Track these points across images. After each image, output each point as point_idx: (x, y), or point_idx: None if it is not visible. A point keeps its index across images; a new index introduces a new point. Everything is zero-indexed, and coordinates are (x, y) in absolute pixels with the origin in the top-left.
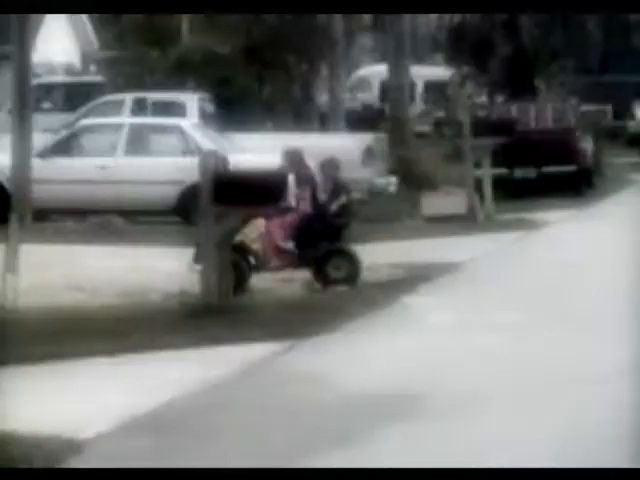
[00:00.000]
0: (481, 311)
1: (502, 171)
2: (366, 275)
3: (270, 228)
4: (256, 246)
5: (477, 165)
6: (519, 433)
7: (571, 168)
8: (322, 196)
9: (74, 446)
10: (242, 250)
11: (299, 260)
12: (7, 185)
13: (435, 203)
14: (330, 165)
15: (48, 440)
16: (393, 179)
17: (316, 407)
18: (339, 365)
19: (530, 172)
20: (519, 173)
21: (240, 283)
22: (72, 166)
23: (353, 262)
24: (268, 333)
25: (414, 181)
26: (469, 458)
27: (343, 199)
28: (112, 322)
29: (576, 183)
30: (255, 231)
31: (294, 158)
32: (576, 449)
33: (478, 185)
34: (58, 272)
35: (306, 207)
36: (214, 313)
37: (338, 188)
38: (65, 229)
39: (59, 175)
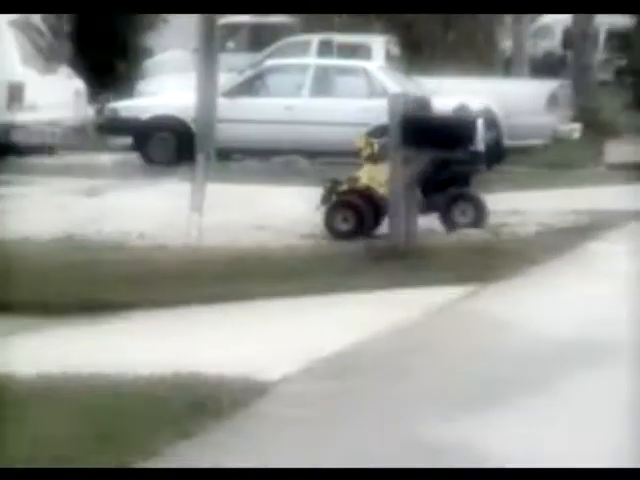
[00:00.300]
0: None
1: None
2: (551, 221)
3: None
4: (383, 190)
5: None
6: None
7: None
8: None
9: (259, 388)
10: (367, 194)
11: (426, 206)
12: (192, 125)
13: (619, 151)
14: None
15: (233, 382)
16: (577, 126)
17: (506, 352)
18: (526, 310)
19: None
20: None
21: (363, 229)
22: (257, 106)
23: (479, 207)
24: (454, 277)
25: (597, 129)
26: None
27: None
28: (296, 263)
29: None
30: (382, 175)
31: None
32: None
33: None
34: (242, 212)
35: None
36: (399, 256)
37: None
38: (249, 169)
39: (244, 115)
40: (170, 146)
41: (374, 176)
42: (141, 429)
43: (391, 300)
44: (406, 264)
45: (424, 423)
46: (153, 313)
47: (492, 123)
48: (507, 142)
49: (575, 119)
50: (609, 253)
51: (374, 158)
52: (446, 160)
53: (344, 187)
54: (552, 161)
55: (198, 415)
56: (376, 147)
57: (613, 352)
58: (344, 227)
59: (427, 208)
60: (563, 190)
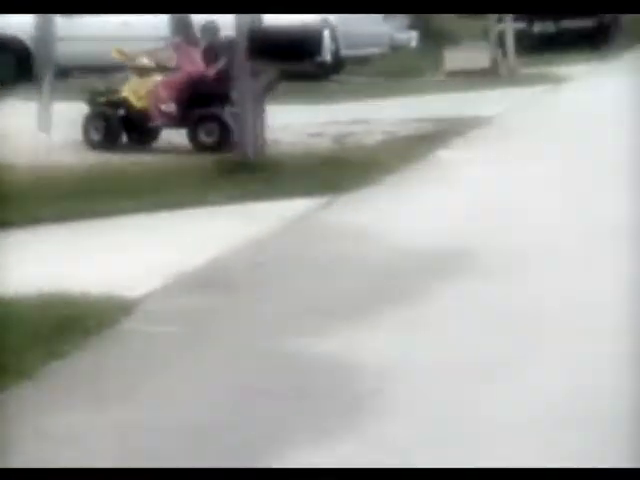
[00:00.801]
0: (516, 164)
1: (521, 25)
2: (395, 129)
3: (158, 88)
4: (141, 104)
5: (499, 20)
6: (567, 283)
7: (590, 22)
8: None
9: (124, 306)
10: (123, 106)
11: (178, 122)
12: (30, 43)
13: (457, 58)
14: (209, 28)
15: (97, 300)
16: (414, 34)
17: (364, 263)
18: (382, 220)
19: (549, 26)
20: (538, 27)
21: (110, 139)
22: (94, 23)
23: (224, 129)
24: (306, 188)
25: (434, 36)
26: (526, 310)
27: (221, 63)
28: (146, 178)
29: (596, 37)
30: (143, 89)
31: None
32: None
33: (499, 39)
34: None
35: (193, 69)
36: (249, 169)
37: (218, 52)
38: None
39: (82, 32)
40: (10, 66)
41: (135, 89)
42: (10, 351)
43: (245, 213)
44: (257, 177)
45: (291, 337)
46: (3, 233)
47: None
48: (345, 52)
49: (412, 27)
50: (456, 160)
51: (140, 71)
52: (201, 78)
53: (102, 99)
54: (391, 70)
55: (66, 334)
56: (143, 60)
57: (471, 261)
58: (96, 137)
59: (179, 124)
60: (404, 99)
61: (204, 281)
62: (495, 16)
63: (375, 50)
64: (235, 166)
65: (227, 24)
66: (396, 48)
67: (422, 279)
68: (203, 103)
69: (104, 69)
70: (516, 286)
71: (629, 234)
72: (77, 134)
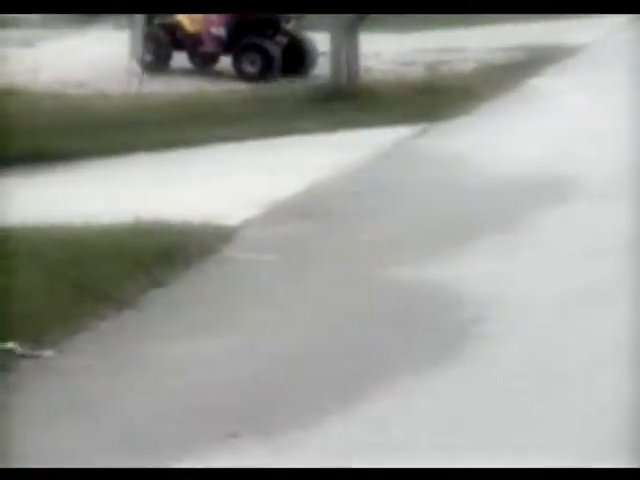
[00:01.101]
0: (609, 94)
1: None
2: (488, 58)
3: (210, 16)
4: (194, 27)
5: None
6: None
7: None
8: None
9: (223, 233)
10: (175, 29)
11: (226, 48)
12: None
13: None
14: None
15: (197, 228)
16: None
17: (464, 190)
18: (478, 148)
19: None
20: None
21: (159, 61)
22: None
23: (267, 59)
24: (400, 116)
25: None
26: (624, 236)
27: None
28: (238, 106)
29: None
30: (197, 16)
31: None
32: None
33: None
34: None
35: None
36: (343, 96)
37: None
38: None
39: None
40: None
41: (190, 16)
42: (113, 279)
43: (341, 141)
44: (351, 105)
45: (394, 264)
46: (100, 161)
47: None
48: None
49: None
50: (549, 89)
51: None
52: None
53: (158, 21)
54: None
55: (167, 263)
56: None
57: (574, 187)
58: (148, 58)
59: (227, 51)
60: (493, 27)
61: (301, 209)
62: None
63: None
64: (329, 94)
65: None
66: None
67: (521, 205)
68: (251, 31)
69: None
70: (615, 209)
71: None
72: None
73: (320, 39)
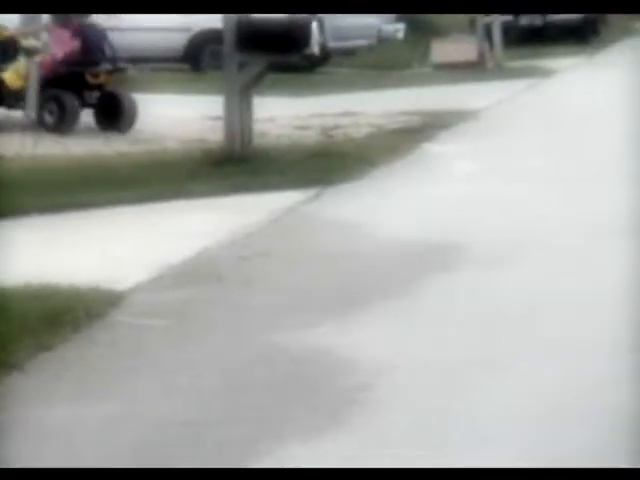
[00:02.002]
0: (504, 159)
1: (508, 18)
2: (382, 122)
3: (31, 70)
4: (19, 84)
5: None
6: (559, 278)
7: (577, 16)
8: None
9: (113, 298)
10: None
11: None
12: None
13: (445, 50)
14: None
15: (86, 292)
16: (401, 26)
17: (353, 255)
18: (369, 213)
19: (536, 19)
20: (525, 20)
21: None
22: None
23: (64, 111)
24: (293, 181)
25: (421, 28)
26: (512, 302)
27: (72, 45)
28: (131, 170)
29: (582, 31)
30: (24, 70)
31: None
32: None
33: (486, 32)
34: None
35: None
36: (236, 160)
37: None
38: None
39: None
40: None
41: (18, 69)
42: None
43: (234, 205)
44: (245, 169)
45: (281, 330)
46: None
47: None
48: (332, 43)
49: (399, 19)
50: (443, 154)
51: (28, 51)
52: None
53: None
54: (378, 62)
55: (54, 327)
56: (31, 40)
57: (460, 254)
58: None
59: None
60: (391, 91)
61: (191, 274)
62: None
63: (362, 42)
64: (222, 158)
65: (216, 15)
66: (383, 40)
67: (410, 271)
68: (56, 85)
69: None
70: (504, 277)
71: (625, 230)
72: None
73: (216, 101)
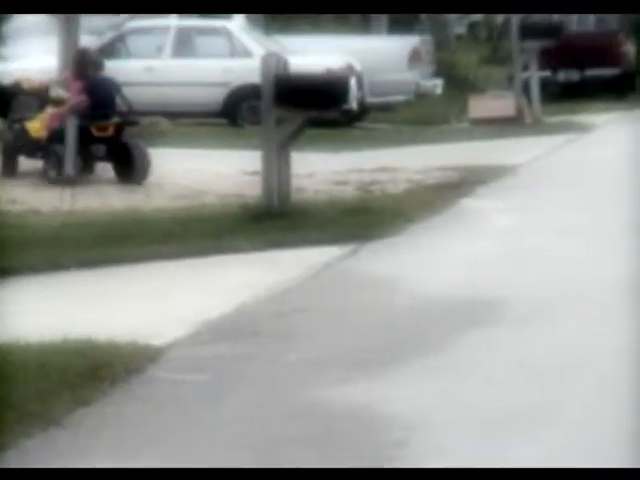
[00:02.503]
0: (541, 214)
1: (545, 74)
2: (420, 177)
3: (49, 119)
4: (39, 135)
5: (524, 68)
6: (595, 337)
7: (614, 71)
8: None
9: (150, 353)
10: (23, 135)
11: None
12: None
13: (482, 105)
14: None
15: (124, 347)
16: (439, 82)
17: (390, 311)
18: (406, 269)
19: (573, 74)
20: (562, 76)
21: (6, 168)
22: (119, 68)
23: (59, 162)
24: (331, 236)
25: (459, 84)
26: (550, 361)
27: (76, 100)
28: (170, 225)
29: (619, 86)
30: (45, 120)
31: (87, 58)
32: None
33: (524, 87)
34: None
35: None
36: (274, 216)
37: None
38: None
39: None
40: (33, 108)
41: (43, 119)
42: (39, 397)
43: (271, 261)
44: (283, 224)
45: (318, 386)
46: (32, 279)
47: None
48: (370, 99)
49: (437, 74)
50: (481, 210)
51: (55, 102)
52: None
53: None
54: (416, 117)
55: (93, 381)
56: (58, 91)
57: (495, 310)
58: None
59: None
60: (429, 146)
61: (229, 329)
62: (520, 64)
63: (400, 97)
64: (260, 213)
65: (254, 70)
66: (421, 95)
67: (445, 327)
68: (60, 138)
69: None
70: (541, 334)
71: None
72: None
73: (254, 156)
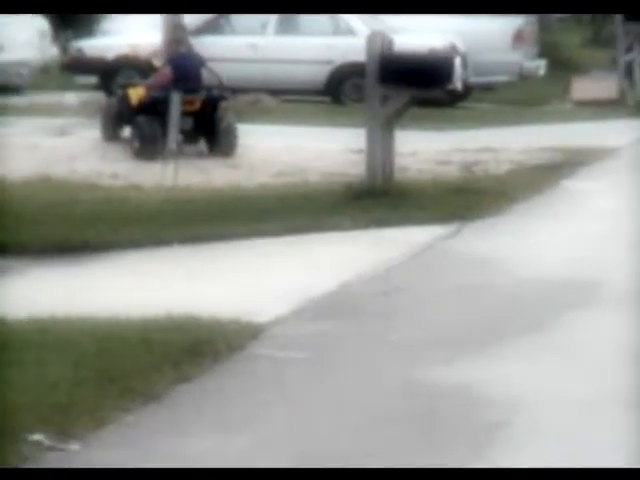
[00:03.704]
0: None
1: None
2: (523, 158)
3: (173, 100)
4: (135, 102)
5: (627, 50)
6: None
7: None
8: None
9: (253, 330)
10: (124, 102)
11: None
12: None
13: (585, 87)
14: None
15: (226, 324)
16: (542, 62)
17: (493, 291)
18: (508, 249)
19: None
20: None
21: (107, 132)
22: (222, 45)
23: (144, 135)
24: (433, 216)
25: (562, 65)
26: None
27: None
28: (273, 202)
29: None
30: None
31: (179, 33)
32: None
33: (627, 70)
34: None
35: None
36: (378, 195)
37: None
38: None
39: (209, 53)
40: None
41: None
42: (140, 373)
43: (374, 239)
44: (385, 203)
45: (421, 365)
46: (134, 254)
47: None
48: (473, 79)
49: (540, 55)
50: (585, 191)
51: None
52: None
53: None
54: (519, 98)
55: (195, 358)
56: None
57: (597, 291)
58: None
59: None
60: (531, 127)
61: (331, 307)
62: (623, 47)
63: (503, 78)
64: (363, 191)
65: (358, 48)
66: (524, 76)
67: (546, 307)
68: (144, 110)
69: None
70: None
71: None
72: None
73: (357, 134)
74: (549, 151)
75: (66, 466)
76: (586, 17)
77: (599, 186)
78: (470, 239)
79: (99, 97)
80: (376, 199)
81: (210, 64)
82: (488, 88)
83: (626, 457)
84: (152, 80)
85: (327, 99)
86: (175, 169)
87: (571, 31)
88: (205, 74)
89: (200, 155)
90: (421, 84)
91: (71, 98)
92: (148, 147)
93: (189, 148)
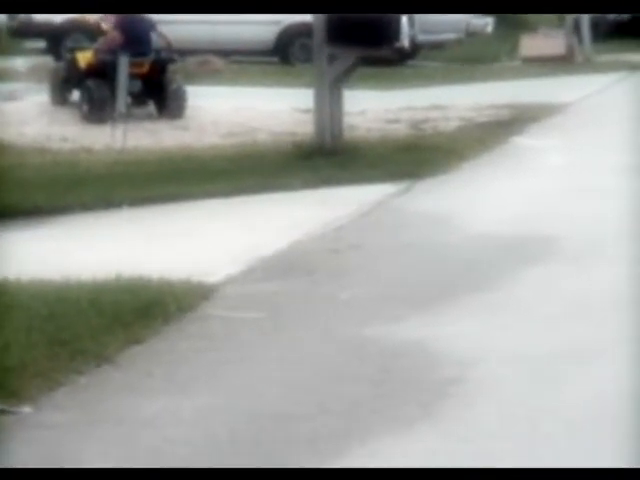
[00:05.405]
0: (594, 153)
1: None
2: (471, 115)
3: (120, 63)
4: (83, 66)
5: None
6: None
7: None
8: None
9: (204, 291)
10: (72, 65)
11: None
12: None
13: (533, 44)
14: None
15: (176, 285)
16: (489, 19)
17: (443, 248)
18: (459, 206)
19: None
20: (612, 15)
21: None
22: None
23: (92, 98)
24: (383, 174)
25: (510, 22)
26: (602, 298)
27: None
28: (222, 163)
29: None
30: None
31: None
32: None
33: (575, 26)
34: None
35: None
36: (327, 154)
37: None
38: None
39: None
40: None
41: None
42: (91, 335)
43: (324, 198)
44: (335, 162)
45: (371, 323)
46: (84, 217)
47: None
48: (421, 37)
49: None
50: (535, 147)
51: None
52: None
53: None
54: (467, 56)
55: (145, 319)
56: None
57: (548, 247)
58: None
59: None
60: (480, 85)
61: (282, 267)
62: None
63: (451, 36)
64: (312, 151)
65: None
66: (472, 34)
67: (498, 264)
68: (92, 74)
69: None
70: (594, 271)
71: None
72: None
73: (305, 94)
74: (498, 108)
75: (17, 428)
76: None
77: (548, 142)
78: (420, 197)
79: (48, 61)
80: (325, 158)
81: (159, 27)
82: (436, 46)
83: (580, 413)
84: (101, 44)
85: (275, 60)
86: (124, 132)
87: None
88: (154, 37)
89: (149, 117)
90: (368, 43)
91: (20, 63)
92: (97, 110)
93: (138, 111)
